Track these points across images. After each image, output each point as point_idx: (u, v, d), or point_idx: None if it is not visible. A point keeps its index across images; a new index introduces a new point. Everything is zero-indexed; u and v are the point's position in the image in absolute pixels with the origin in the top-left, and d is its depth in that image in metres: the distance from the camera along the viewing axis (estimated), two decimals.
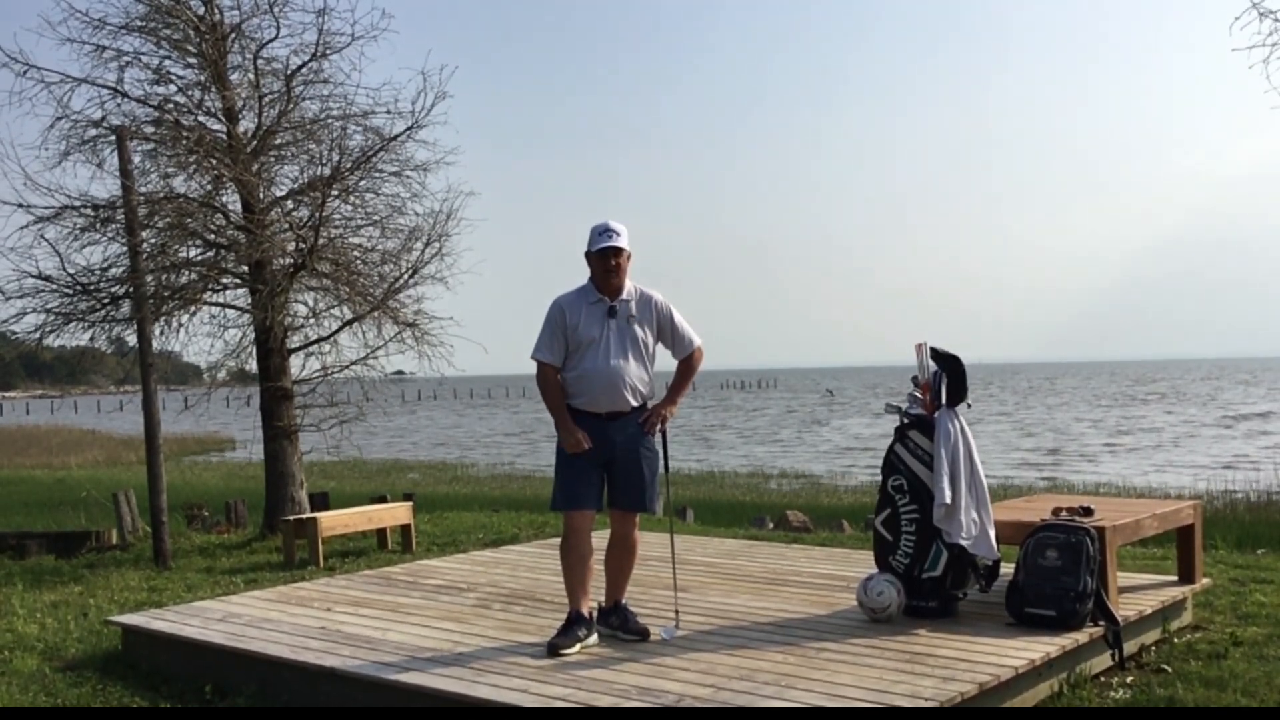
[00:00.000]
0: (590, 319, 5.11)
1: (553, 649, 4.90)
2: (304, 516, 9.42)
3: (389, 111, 10.50)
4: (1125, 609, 5.43)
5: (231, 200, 10.44)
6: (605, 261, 5.09)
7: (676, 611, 5.41)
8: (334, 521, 9.35)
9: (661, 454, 5.29)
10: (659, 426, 5.20)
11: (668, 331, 5.29)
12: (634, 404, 5.17)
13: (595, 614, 5.20)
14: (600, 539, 5.31)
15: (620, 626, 5.22)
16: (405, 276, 10.61)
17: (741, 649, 4.92)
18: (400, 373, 11.50)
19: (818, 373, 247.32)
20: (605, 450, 5.13)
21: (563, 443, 5.14)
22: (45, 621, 6.94)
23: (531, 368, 5.24)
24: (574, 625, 5.03)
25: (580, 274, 5.26)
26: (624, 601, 5.30)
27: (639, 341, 5.17)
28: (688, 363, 5.38)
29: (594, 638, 5.06)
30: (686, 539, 8.50)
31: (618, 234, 5.08)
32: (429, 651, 5.05)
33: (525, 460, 29.04)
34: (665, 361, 5.49)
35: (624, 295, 5.17)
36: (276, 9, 10.36)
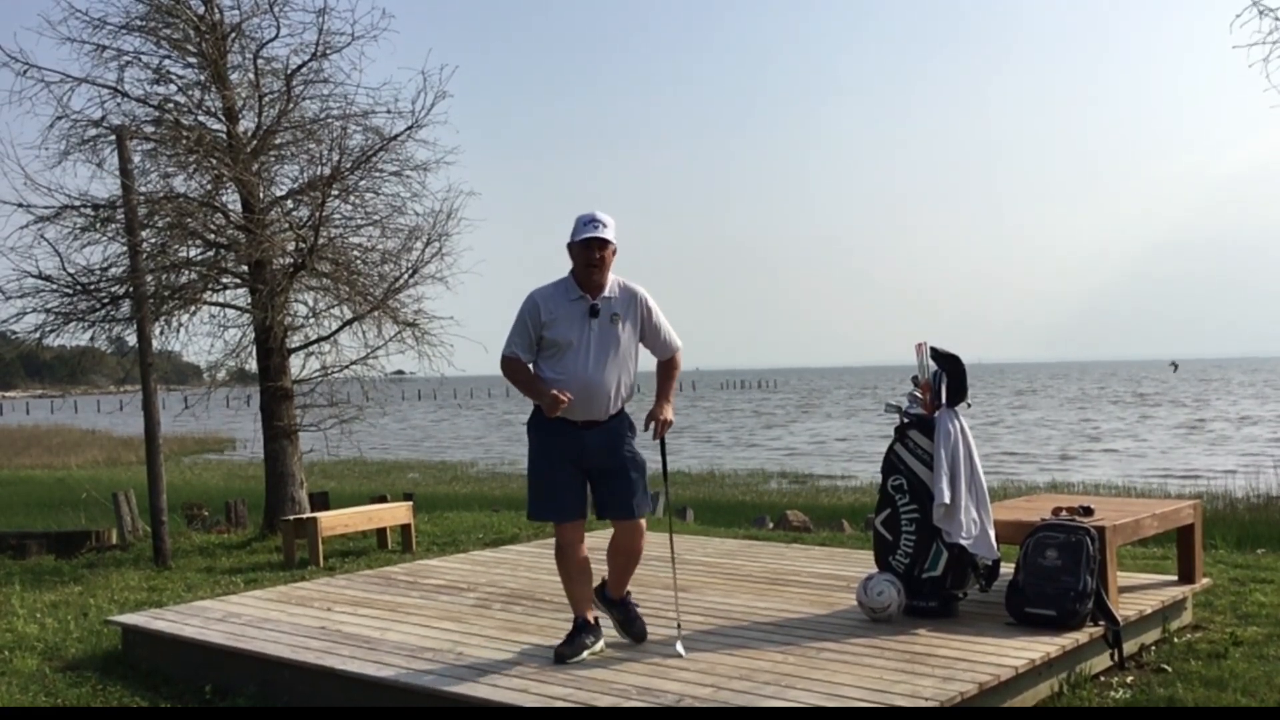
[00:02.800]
0: (569, 318, 4.80)
1: (560, 659, 4.79)
2: (304, 516, 9.41)
3: (389, 111, 10.53)
4: (1125, 609, 5.42)
5: (231, 200, 10.45)
6: (589, 253, 4.76)
7: (679, 625, 5.20)
8: (334, 521, 9.35)
9: (660, 458, 5.17)
10: (664, 432, 4.92)
11: (651, 332, 5.03)
12: (612, 411, 4.89)
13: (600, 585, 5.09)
14: (601, 538, 5.28)
15: (622, 623, 5.14)
16: (405, 276, 10.63)
17: (741, 649, 4.91)
18: (400, 372, 11.51)
19: (814, 373, 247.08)
20: (582, 458, 4.89)
21: (545, 408, 4.77)
22: (45, 621, 6.93)
23: None
24: (580, 633, 4.90)
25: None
26: (629, 598, 5.18)
27: (621, 343, 4.86)
28: (670, 364, 5.11)
29: (600, 644, 4.95)
30: (686, 539, 8.49)
31: (604, 225, 4.76)
32: (429, 651, 5.05)
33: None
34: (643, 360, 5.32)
35: (606, 292, 4.85)
36: (276, 8, 10.39)
